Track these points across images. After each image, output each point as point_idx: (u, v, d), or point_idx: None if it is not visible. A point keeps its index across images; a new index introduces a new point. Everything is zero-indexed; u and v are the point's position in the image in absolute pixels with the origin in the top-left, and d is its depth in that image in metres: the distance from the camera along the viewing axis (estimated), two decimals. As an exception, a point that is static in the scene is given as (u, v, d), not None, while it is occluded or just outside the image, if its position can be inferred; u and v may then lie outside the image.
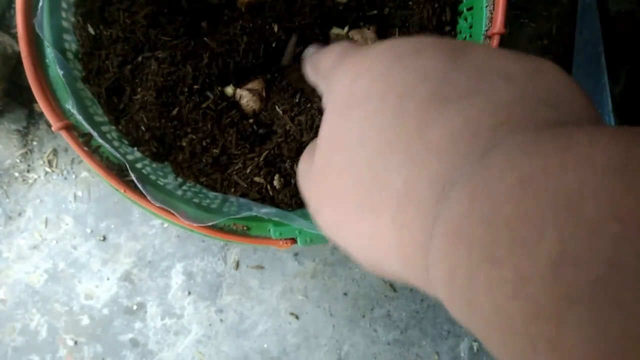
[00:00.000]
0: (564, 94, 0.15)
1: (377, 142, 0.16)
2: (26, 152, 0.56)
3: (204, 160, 0.43)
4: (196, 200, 0.41)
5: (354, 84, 0.18)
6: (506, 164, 0.11)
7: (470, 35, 0.42)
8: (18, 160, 0.56)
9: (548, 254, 0.10)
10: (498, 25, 0.39)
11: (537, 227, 0.10)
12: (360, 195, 0.16)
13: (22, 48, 0.37)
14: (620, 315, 0.08)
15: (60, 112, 0.38)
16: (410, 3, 0.44)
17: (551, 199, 0.10)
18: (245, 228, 0.41)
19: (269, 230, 0.41)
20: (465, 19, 0.43)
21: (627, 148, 0.10)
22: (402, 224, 0.15)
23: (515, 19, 0.59)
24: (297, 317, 0.58)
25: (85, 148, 0.38)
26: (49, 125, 0.40)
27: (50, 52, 0.38)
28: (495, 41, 0.39)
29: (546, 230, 0.10)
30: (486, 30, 0.40)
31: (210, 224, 0.37)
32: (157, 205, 0.38)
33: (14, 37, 0.54)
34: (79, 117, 0.37)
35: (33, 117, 0.56)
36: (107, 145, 0.37)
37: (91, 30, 0.41)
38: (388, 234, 0.15)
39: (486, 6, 0.40)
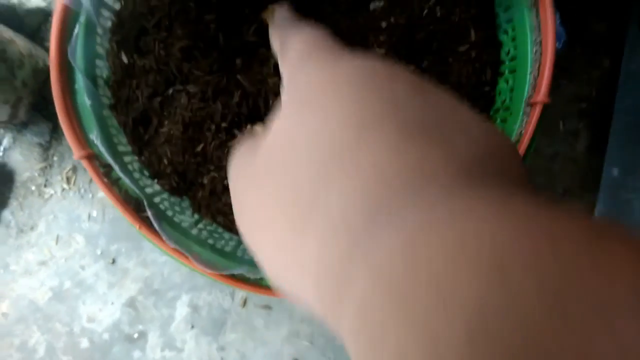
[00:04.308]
0: (509, 161, 0.15)
1: (325, 158, 0.15)
2: (46, 167, 0.55)
3: (223, 200, 0.41)
4: (211, 241, 0.40)
5: (319, 81, 0.17)
6: (447, 219, 0.11)
7: (511, 99, 0.40)
8: (37, 174, 0.55)
9: (466, 323, 0.09)
10: (542, 94, 0.37)
11: (461, 291, 0.10)
12: (293, 206, 0.16)
13: (53, 73, 0.36)
14: None
15: (84, 140, 0.37)
16: (450, 60, 0.43)
17: (481, 263, 0.10)
18: (257, 277, 0.39)
19: (283, 281, 0.39)
20: (507, 81, 0.42)
21: (566, 225, 0.09)
22: (325, 245, 0.14)
23: (554, 78, 0.57)
24: (300, 364, 0.56)
25: (105, 179, 0.37)
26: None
27: (80, 79, 0.37)
28: (538, 109, 0.38)
29: (470, 296, 0.09)
30: (528, 97, 0.39)
31: (223, 272, 0.36)
32: (171, 246, 0.36)
33: (48, 50, 0.54)
34: (102, 149, 0.36)
35: (57, 132, 0.55)
36: (127, 180, 0.36)
37: (125, 59, 0.40)
38: (309, 253, 0.15)
39: (530, 72, 0.38)
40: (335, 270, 0.13)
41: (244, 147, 0.21)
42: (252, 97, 0.41)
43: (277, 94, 0.41)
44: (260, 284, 0.39)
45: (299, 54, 0.21)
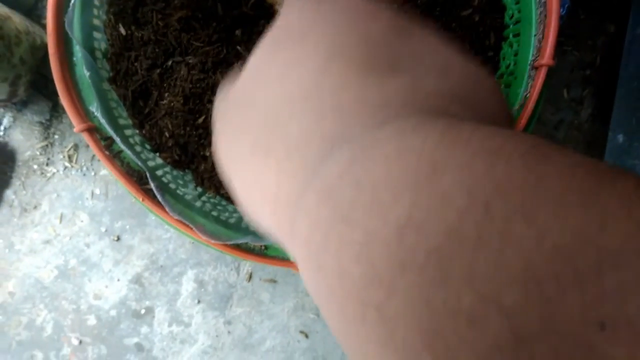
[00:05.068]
0: (486, 102, 0.16)
1: (292, 87, 0.16)
2: (47, 145, 0.55)
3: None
4: (215, 213, 0.40)
5: (299, 19, 0.17)
6: (392, 136, 0.12)
7: (515, 63, 0.40)
8: (38, 153, 0.55)
9: (397, 219, 0.10)
10: (547, 56, 0.37)
11: (395, 192, 0.10)
12: (259, 133, 0.16)
13: (50, 45, 0.36)
14: (443, 287, 0.09)
15: (84, 113, 0.37)
16: (453, 25, 0.42)
17: (416, 169, 0.10)
18: (262, 247, 0.39)
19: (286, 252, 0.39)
20: (511, 45, 0.41)
21: (503, 141, 0.10)
22: (284, 172, 0.15)
23: (559, 45, 0.57)
24: (306, 336, 0.56)
25: (107, 152, 0.37)
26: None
27: (78, 51, 0.37)
28: (542, 72, 0.37)
29: (403, 196, 0.10)
30: (533, 60, 0.38)
31: (227, 242, 0.36)
32: (175, 217, 0.36)
33: (45, 27, 0.53)
34: (103, 121, 0.35)
35: (57, 110, 0.55)
36: (128, 152, 0.36)
37: (122, 31, 0.40)
38: (269, 179, 0.15)
39: (535, 35, 0.38)
40: (289, 193, 0.14)
41: (224, 84, 0.21)
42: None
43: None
44: (265, 254, 0.39)
45: None
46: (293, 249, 0.14)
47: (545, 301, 0.08)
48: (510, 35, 0.41)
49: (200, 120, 0.41)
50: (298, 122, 0.15)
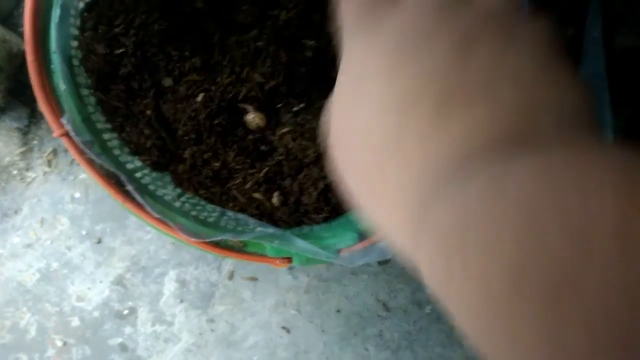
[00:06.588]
0: (565, 101, 0.16)
1: (380, 131, 0.17)
2: (26, 151, 0.56)
3: (204, 173, 0.43)
4: (194, 213, 0.41)
5: (367, 57, 0.18)
6: (485, 187, 0.13)
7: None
8: (17, 159, 0.56)
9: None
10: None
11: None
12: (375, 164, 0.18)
13: (28, 52, 0.37)
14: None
15: (62, 118, 0.38)
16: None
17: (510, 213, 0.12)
18: (241, 244, 0.41)
19: (266, 248, 0.41)
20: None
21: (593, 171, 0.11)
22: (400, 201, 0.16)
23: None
24: (288, 332, 0.58)
25: (86, 156, 0.38)
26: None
27: (55, 59, 0.38)
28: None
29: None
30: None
31: (207, 240, 0.37)
32: (155, 216, 0.37)
33: (21, 35, 0.53)
34: (74, 132, 0.36)
35: (35, 116, 0.55)
36: (99, 161, 0.37)
37: (100, 50, 0.40)
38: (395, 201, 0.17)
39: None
40: (417, 207, 0.16)
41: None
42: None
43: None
44: (244, 250, 0.41)
45: (351, 18, 0.20)
46: (416, 246, 0.16)
47: None
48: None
49: (180, 124, 0.42)
50: (395, 177, 0.17)
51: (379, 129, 0.17)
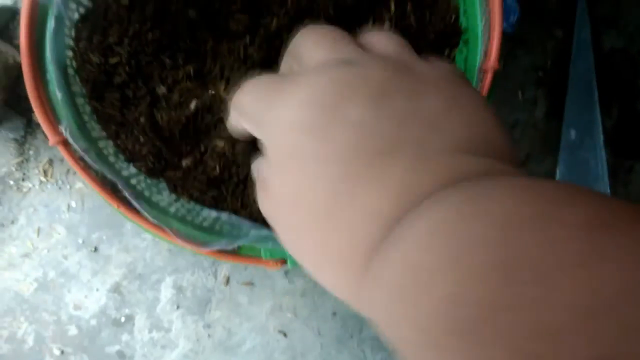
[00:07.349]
0: (489, 138, 0.17)
1: (315, 201, 0.18)
2: (22, 161, 0.56)
3: (199, 179, 0.43)
4: (189, 218, 0.42)
5: (287, 136, 0.18)
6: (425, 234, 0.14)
7: (465, 69, 0.43)
8: (14, 169, 0.56)
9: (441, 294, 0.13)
10: (492, 60, 0.40)
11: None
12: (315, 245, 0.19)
13: (24, 64, 0.38)
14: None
15: (58, 126, 0.39)
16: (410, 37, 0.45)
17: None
18: (236, 247, 0.41)
19: (260, 251, 0.41)
20: (461, 52, 0.44)
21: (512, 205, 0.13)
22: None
23: (511, 49, 0.60)
24: (285, 335, 0.58)
25: (82, 163, 0.39)
26: (46, 136, 0.41)
27: (51, 69, 0.39)
28: (489, 75, 0.40)
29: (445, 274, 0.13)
30: (480, 64, 0.41)
31: (202, 248, 0.38)
32: (151, 222, 0.38)
33: (17, 47, 0.54)
34: (71, 140, 0.37)
35: (31, 126, 0.56)
36: (96, 167, 0.38)
37: (95, 59, 0.41)
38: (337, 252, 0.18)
39: (482, 42, 0.41)
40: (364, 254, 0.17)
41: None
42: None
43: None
44: (238, 253, 0.41)
45: (255, 107, 0.21)
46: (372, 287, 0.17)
47: None
48: (460, 43, 0.44)
49: (176, 131, 0.42)
50: (338, 236, 0.18)
51: (310, 193, 0.18)
